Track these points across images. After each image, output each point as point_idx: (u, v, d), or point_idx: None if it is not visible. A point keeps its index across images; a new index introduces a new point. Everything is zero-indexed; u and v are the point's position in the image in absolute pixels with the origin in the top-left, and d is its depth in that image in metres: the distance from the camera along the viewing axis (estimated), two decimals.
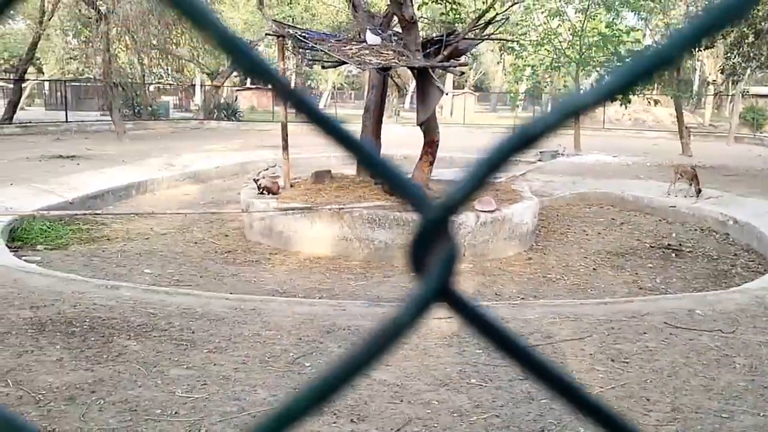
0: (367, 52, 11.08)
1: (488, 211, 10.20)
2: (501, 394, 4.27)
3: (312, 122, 0.44)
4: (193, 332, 5.19)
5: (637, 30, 26.31)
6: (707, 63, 38.99)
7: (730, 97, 38.59)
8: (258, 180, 11.44)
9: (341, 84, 65.24)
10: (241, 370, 4.52)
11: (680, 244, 11.24)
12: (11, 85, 33.15)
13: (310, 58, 13.29)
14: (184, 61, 31.91)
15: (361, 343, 0.45)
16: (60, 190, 12.84)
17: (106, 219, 12.01)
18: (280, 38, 11.83)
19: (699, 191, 13.17)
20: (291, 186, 11.81)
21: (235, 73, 44.55)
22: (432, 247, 0.45)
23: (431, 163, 12.05)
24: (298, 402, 0.45)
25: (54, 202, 11.98)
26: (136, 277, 8.28)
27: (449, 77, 38.16)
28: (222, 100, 39.28)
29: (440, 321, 5.93)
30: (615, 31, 23.06)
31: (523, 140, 0.43)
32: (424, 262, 0.45)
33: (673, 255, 10.66)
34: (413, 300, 0.45)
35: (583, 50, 23.46)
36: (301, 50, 12.50)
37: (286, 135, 11.77)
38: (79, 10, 25.82)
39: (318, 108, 0.44)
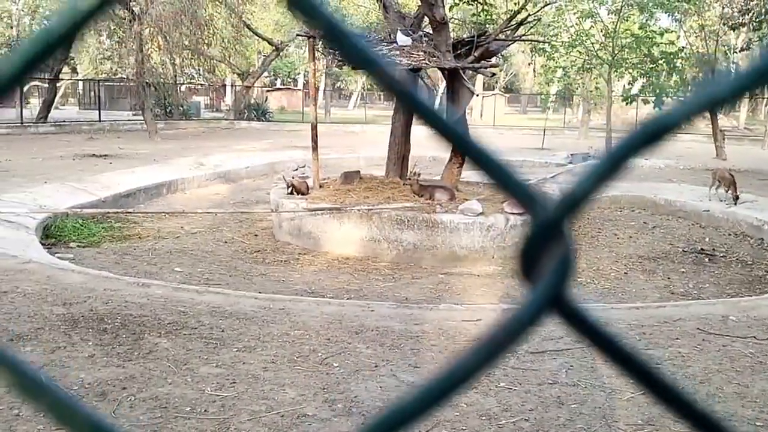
0: (398, 52, 11.08)
1: (518, 213, 10.13)
2: (530, 398, 4.23)
3: (418, 114, 0.41)
4: (222, 331, 5.22)
5: (672, 31, 25.97)
6: (743, 65, 38.38)
7: (765, 100, 37.98)
8: (288, 180, 11.49)
9: (371, 85, 65.36)
10: (270, 370, 4.53)
11: (714, 249, 11.07)
12: (46, 85, 33.70)
13: (340, 58, 13.31)
14: (215, 62, 32.19)
15: (470, 351, 0.43)
16: (93, 189, 13.01)
17: (138, 217, 12.15)
18: (311, 39, 11.87)
19: (737, 198, 12.89)
20: (320, 186, 11.84)
21: (265, 74, 44.82)
22: (545, 251, 0.42)
23: (461, 165, 12.01)
24: (403, 410, 0.43)
25: (87, 200, 12.14)
26: (166, 276, 8.35)
27: (479, 78, 38.03)
28: (252, 101, 39.55)
29: (468, 323, 5.91)
30: (648, 33, 22.76)
31: (654, 133, 0.40)
32: (536, 268, 0.42)
33: (707, 260, 10.50)
34: (524, 308, 0.42)
35: (616, 52, 23.20)
36: (331, 51, 12.53)
37: (316, 135, 11.81)
38: (113, 11, 26.15)
39: (425, 102, 0.42)
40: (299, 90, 54.37)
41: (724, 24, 25.09)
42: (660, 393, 0.46)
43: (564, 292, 0.42)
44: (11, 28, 47.24)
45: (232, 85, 43.62)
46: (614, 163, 0.41)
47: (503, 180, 0.41)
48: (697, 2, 22.82)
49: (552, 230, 0.41)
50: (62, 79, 37.15)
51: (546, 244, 0.41)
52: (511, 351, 0.43)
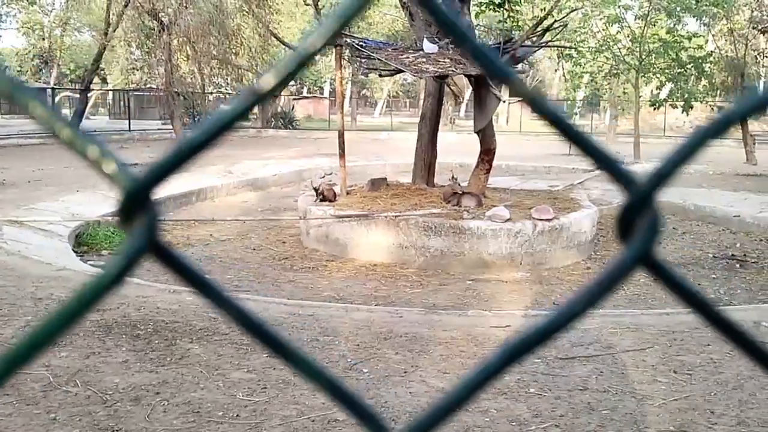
0: (424, 60, 11.11)
1: (546, 220, 10.09)
2: (560, 404, 4.22)
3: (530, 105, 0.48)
4: None
5: (700, 36, 25.73)
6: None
7: None
8: (315, 187, 11.56)
9: (396, 92, 65.55)
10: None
11: (745, 255, 10.92)
12: (77, 95, 34.24)
13: (367, 66, 13.37)
14: (243, 71, 32.49)
15: (571, 300, 0.50)
16: None
17: (168, 225, 12.28)
18: (338, 47, 11.94)
19: None
20: (347, 193, 11.89)
21: (291, 82, 45.12)
22: (637, 219, 0.50)
23: (488, 171, 12.00)
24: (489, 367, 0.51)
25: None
26: None
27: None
28: (279, 109, 39.86)
29: (497, 329, 5.91)
30: (676, 37, 22.59)
31: (723, 125, 0.49)
32: (630, 231, 0.51)
33: (738, 266, 10.37)
34: (619, 263, 0.51)
35: (643, 57, 23.04)
36: (358, 59, 12.59)
37: (343, 143, 11.86)
38: (143, 22, 26.56)
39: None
40: (325, 98, 54.68)
41: (753, 27, 24.77)
42: (745, 346, 0.54)
43: (652, 250, 0.51)
44: (43, 39, 48.12)
45: None
46: (695, 146, 0.49)
47: (601, 159, 0.50)
48: (725, 6, 22.58)
49: (644, 201, 0.50)
50: (93, 90, 37.73)
51: (638, 212, 0.50)
52: (604, 301, 0.51)
